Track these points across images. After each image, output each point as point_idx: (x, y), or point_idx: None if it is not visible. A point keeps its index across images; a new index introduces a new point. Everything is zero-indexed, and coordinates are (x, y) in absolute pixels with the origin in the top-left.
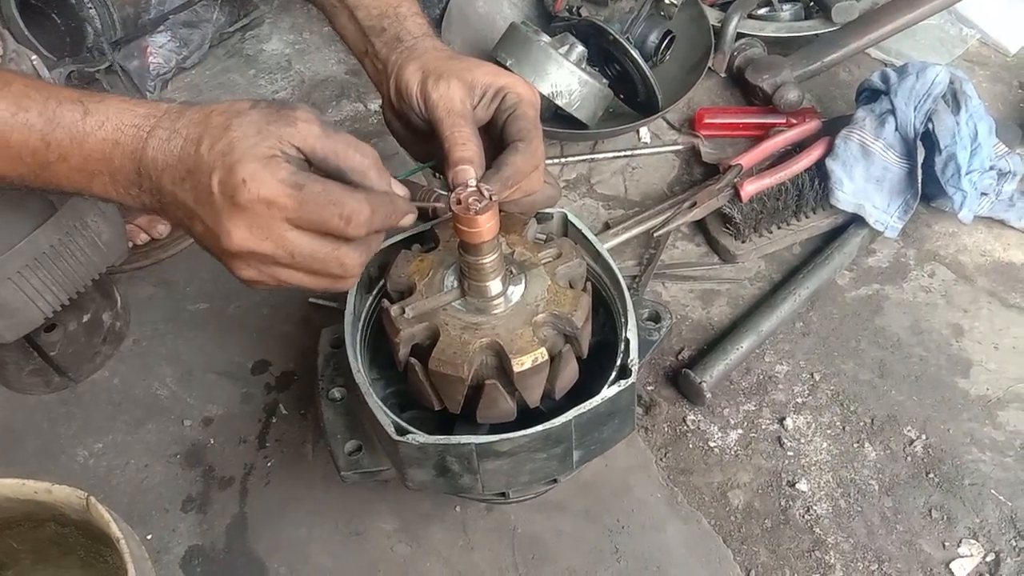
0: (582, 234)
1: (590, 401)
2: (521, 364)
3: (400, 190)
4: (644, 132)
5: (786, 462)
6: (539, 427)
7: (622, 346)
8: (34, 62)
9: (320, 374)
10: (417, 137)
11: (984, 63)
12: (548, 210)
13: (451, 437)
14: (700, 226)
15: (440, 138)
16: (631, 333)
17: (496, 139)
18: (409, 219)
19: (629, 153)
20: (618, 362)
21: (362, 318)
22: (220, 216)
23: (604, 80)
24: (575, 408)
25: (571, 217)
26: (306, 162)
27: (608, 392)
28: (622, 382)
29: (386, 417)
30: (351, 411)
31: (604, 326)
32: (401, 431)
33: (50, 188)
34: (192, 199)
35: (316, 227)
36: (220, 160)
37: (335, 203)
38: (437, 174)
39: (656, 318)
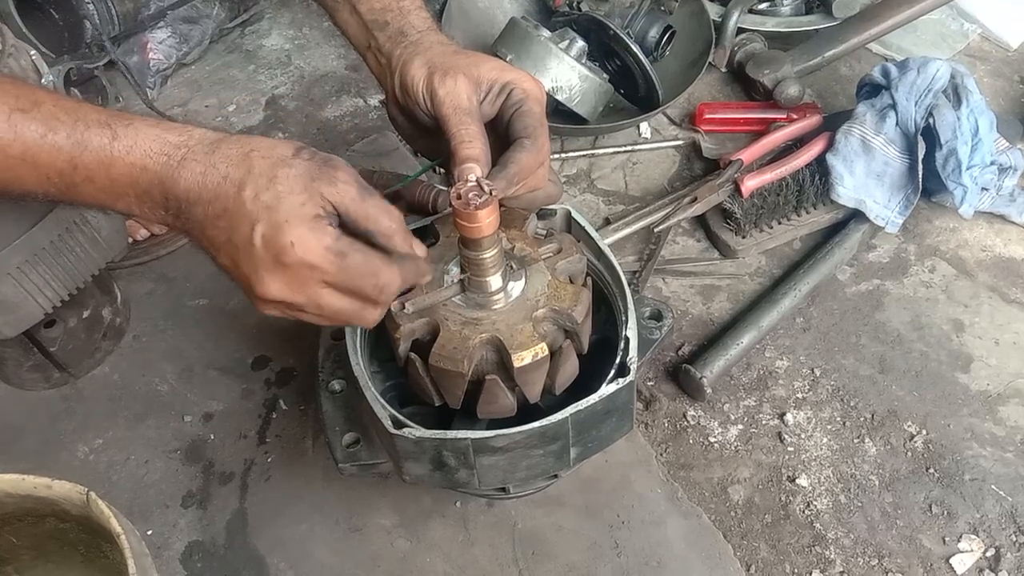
0: (584, 231)
1: (587, 399)
2: (521, 359)
3: (420, 251)
4: (644, 127)
5: (786, 457)
6: (536, 424)
7: (622, 344)
8: (33, 57)
9: (320, 366)
10: (421, 132)
11: (985, 58)
12: (550, 206)
13: (447, 432)
14: (700, 221)
15: (446, 135)
16: (631, 331)
17: (501, 135)
18: (427, 279)
19: (629, 148)
20: (617, 360)
21: None
22: (258, 267)
23: (604, 75)
24: (572, 405)
25: (574, 214)
26: (339, 218)
27: (606, 390)
28: (620, 380)
29: (383, 410)
30: (350, 404)
31: (605, 323)
32: (398, 424)
33: (75, 204)
34: (225, 238)
35: (351, 292)
36: (266, 215)
37: (373, 274)
38: (439, 170)
39: (658, 316)
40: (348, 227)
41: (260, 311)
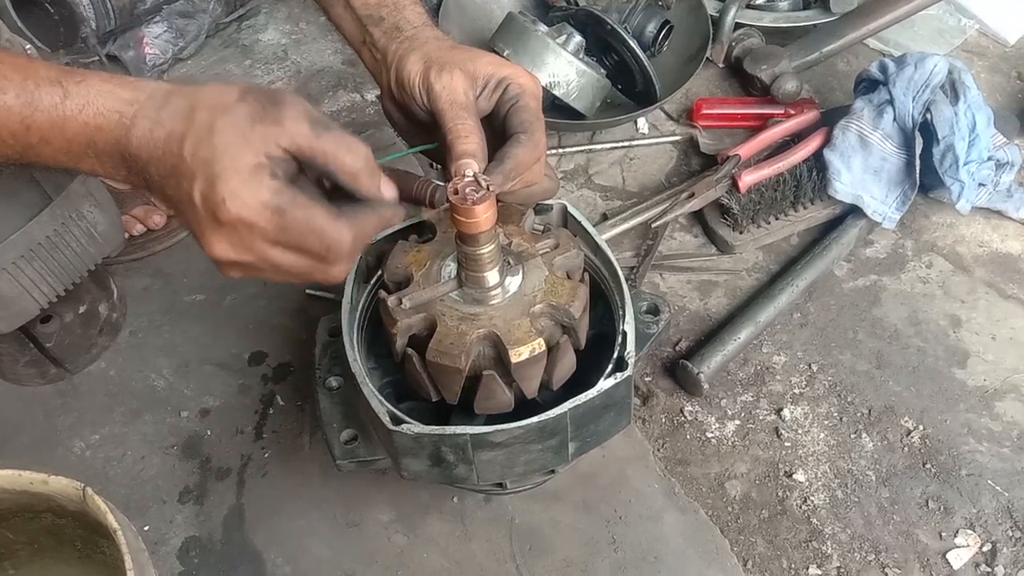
0: (581, 226)
1: (586, 393)
2: (518, 355)
3: (389, 192)
4: (642, 123)
5: (783, 453)
6: (534, 419)
7: (619, 338)
8: (28, 52)
9: (317, 363)
10: (417, 127)
11: (983, 53)
12: (547, 201)
13: (446, 427)
14: (698, 217)
15: (443, 130)
16: (628, 326)
17: (498, 129)
18: (396, 222)
19: (627, 144)
20: (615, 355)
21: (359, 307)
22: (202, 226)
23: (602, 70)
24: (570, 400)
25: (571, 209)
26: (295, 161)
27: (604, 384)
28: (618, 375)
29: (381, 406)
30: (347, 400)
31: (603, 318)
32: (396, 420)
33: (39, 166)
34: (176, 197)
35: (298, 250)
36: (202, 169)
37: (315, 232)
38: (435, 165)
39: (655, 311)
40: (308, 168)
41: (221, 271)
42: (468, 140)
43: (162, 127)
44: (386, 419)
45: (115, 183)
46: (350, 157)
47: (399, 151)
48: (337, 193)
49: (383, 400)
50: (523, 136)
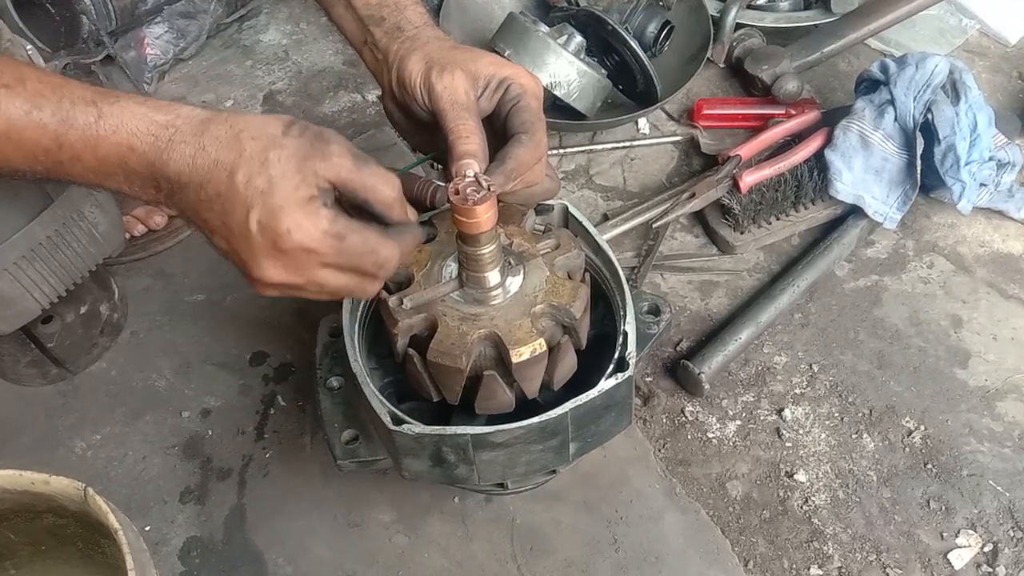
0: (582, 226)
1: (586, 394)
2: (519, 355)
3: (414, 216)
4: (643, 123)
5: (784, 453)
6: (535, 419)
7: (620, 339)
8: (29, 52)
9: (318, 363)
10: (418, 127)
11: (984, 54)
12: (548, 202)
13: (447, 427)
14: (699, 217)
15: (444, 130)
16: (629, 326)
17: (499, 130)
18: (421, 240)
19: (628, 144)
20: (616, 355)
21: (360, 307)
22: (256, 253)
23: (603, 70)
24: (571, 400)
25: (571, 209)
26: (335, 191)
27: (605, 385)
28: (619, 375)
29: (382, 406)
30: (348, 400)
31: (603, 318)
32: (397, 421)
33: (66, 181)
34: (220, 223)
35: (350, 270)
36: (260, 200)
37: (372, 252)
38: (437, 166)
39: (656, 311)
40: (346, 198)
41: (259, 292)
42: (469, 140)
43: (206, 154)
44: (387, 419)
45: (140, 200)
46: (387, 189)
47: (403, 151)
48: (363, 217)
49: (384, 400)
50: (524, 136)
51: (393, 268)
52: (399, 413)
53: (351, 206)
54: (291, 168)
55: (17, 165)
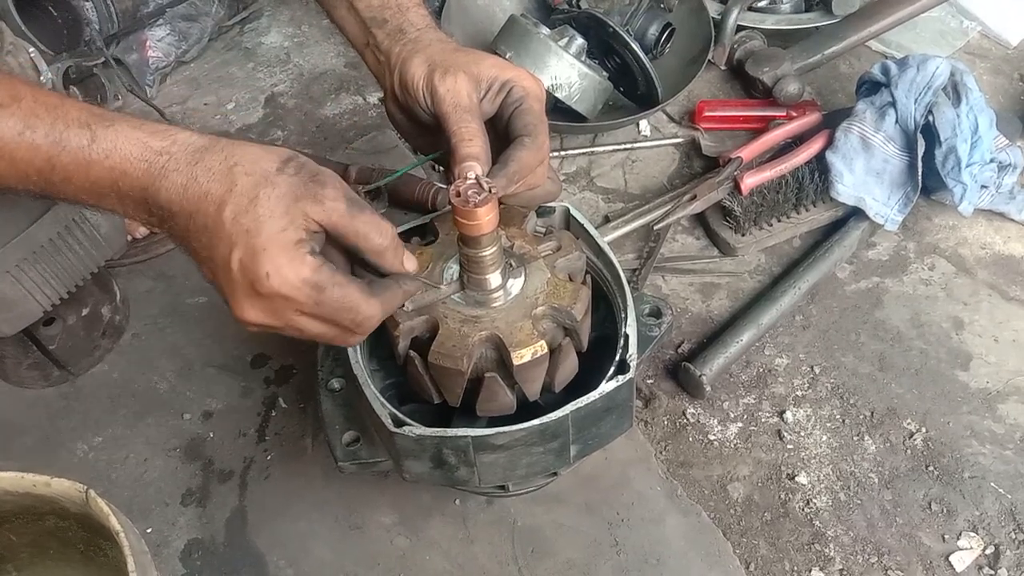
0: (584, 228)
1: (587, 396)
2: (521, 357)
3: (411, 266)
4: (644, 125)
5: (786, 455)
6: (536, 421)
7: (621, 341)
8: (32, 55)
9: (320, 364)
10: (420, 129)
11: (985, 55)
12: (549, 204)
13: (447, 430)
14: (700, 219)
15: (446, 132)
16: (630, 328)
17: (501, 132)
18: (417, 293)
19: (629, 146)
20: (617, 357)
21: None
22: (235, 291)
23: (604, 73)
24: (572, 403)
25: (573, 211)
26: (326, 233)
27: (606, 387)
28: (620, 378)
29: (383, 408)
30: (350, 402)
31: (605, 320)
32: (398, 423)
33: (59, 200)
34: (207, 255)
35: (328, 322)
36: (244, 238)
37: (350, 309)
38: (439, 168)
39: (657, 314)
40: (338, 242)
41: (244, 328)
42: (472, 143)
43: (198, 184)
44: (388, 421)
45: (134, 222)
46: (380, 238)
47: (404, 153)
48: (357, 262)
49: (385, 402)
50: (527, 139)
51: (373, 326)
52: (400, 415)
53: (343, 250)
54: (280, 209)
55: (10, 183)
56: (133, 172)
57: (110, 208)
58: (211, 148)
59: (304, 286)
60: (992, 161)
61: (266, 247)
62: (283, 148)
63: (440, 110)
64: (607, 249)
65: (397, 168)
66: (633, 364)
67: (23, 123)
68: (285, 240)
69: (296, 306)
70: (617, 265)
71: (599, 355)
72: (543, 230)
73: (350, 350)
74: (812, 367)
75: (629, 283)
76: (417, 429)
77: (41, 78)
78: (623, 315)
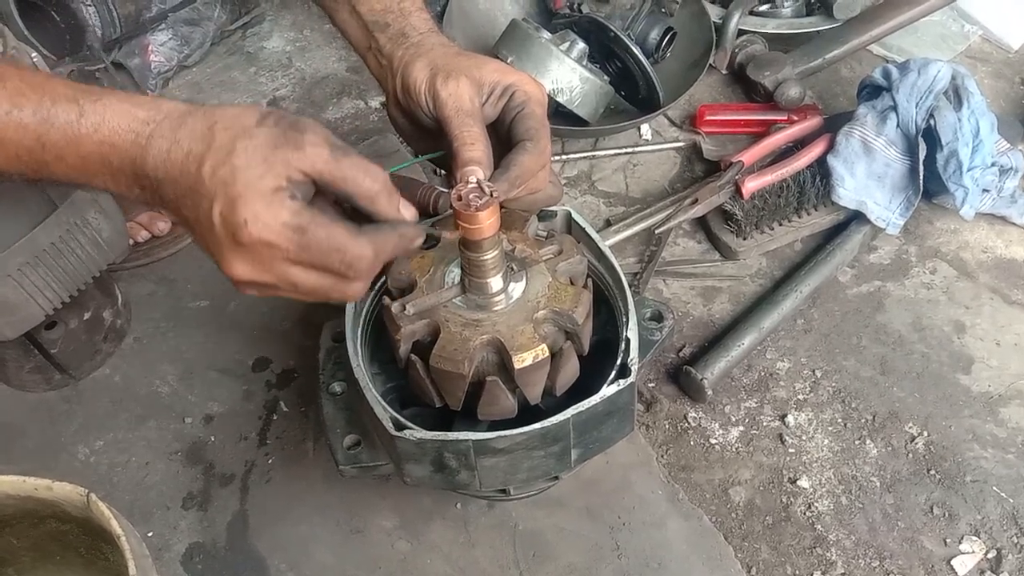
0: (585, 232)
1: (588, 400)
2: (522, 361)
3: (408, 213)
4: (645, 129)
5: (787, 459)
6: (537, 425)
7: (623, 345)
8: (34, 59)
9: (321, 368)
10: (422, 133)
11: (986, 59)
12: (551, 208)
13: (448, 433)
14: (701, 223)
15: (448, 137)
16: (632, 332)
17: (503, 136)
18: (417, 243)
19: (630, 150)
20: (618, 361)
21: (363, 313)
22: (221, 247)
23: (605, 77)
24: (573, 407)
25: (575, 215)
26: (313, 185)
27: (607, 391)
28: (621, 382)
29: (384, 412)
30: (351, 406)
31: (606, 324)
32: (399, 426)
33: (50, 181)
34: (193, 217)
35: (318, 268)
36: (222, 190)
37: (337, 249)
38: (440, 171)
39: (659, 318)
40: (327, 192)
41: (238, 289)
42: (474, 147)
43: (180, 147)
44: (389, 425)
45: (127, 199)
46: (368, 180)
47: (406, 157)
48: (356, 216)
49: (386, 406)
50: (529, 144)
51: (367, 269)
52: (401, 419)
53: (336, 202)
54: (257, 158)
55: (1, 166)
56: (121, 144)
57: (103, 186)
58: (194, 112)
59: (285, 230)
60: (993, 165)
61: (242, 194)
62: (266, 107)
63: (442, 114)
64: (608, 253)
65: (400, 173)
66: (634, 368)
67: (9, 103)
68: (263, 187)
69: (282, 253)
70: (618, 269)
71: (600, 359)
72: (544, 234)
73: (352, 354)
74: (813, 371)
75: (630, 287)
76: (418, 433)
77: None
78: (624, 319)
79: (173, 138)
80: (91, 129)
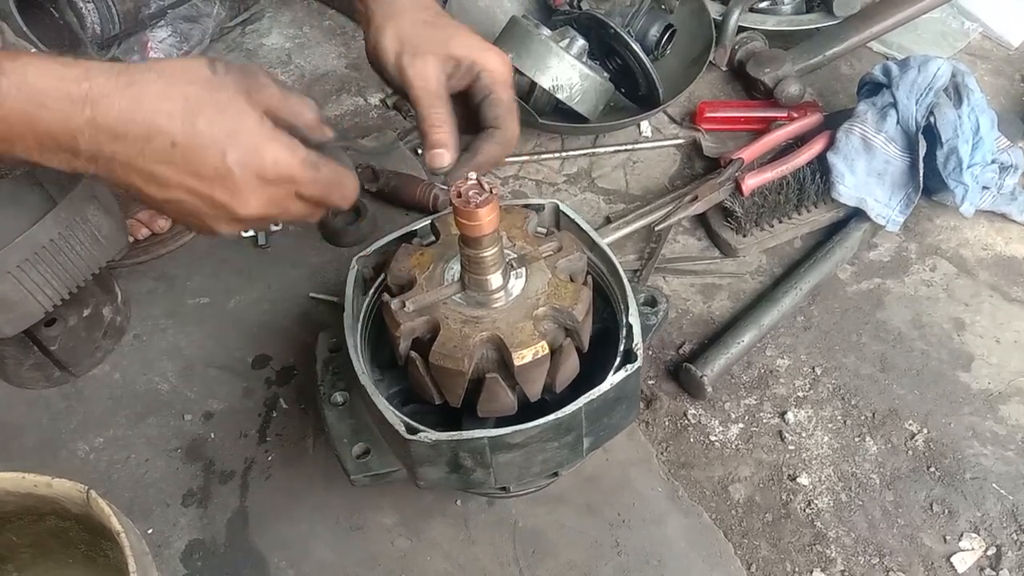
0: (575, 223)
1: (599, 387)
2: (522, 358)
3: (330, 132)
4: (645, 126)
5: (787, 456)
6: (551, 416)
7: (623, 332)
8: None
9: (320, 379)
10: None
11: (986, 56)
12: (539, 201)
13: (463, 432)
14: (701, 220)
15: (417, 114)
16: (633, 318)
17: (473, 109)
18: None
19: (630, 147)
20: (621, 347)
21: (360, 318)
22: (240, 190)
23: (605, 74)
24: (585, 395)
25: (563, 207)
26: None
27: (615, 377)
28: (628, 367)
29: (396, 417)
30: (355, 414)
31: (601, 312)
32: (412, 431)
33: None
34: (184, 171)
35: (317, 201)
36: (232, 139)
37: (340, 183)
38: (418, 151)
39: (652, 302)
40: (277, 125)
41: (220, 234)
42: (440, 130)
43: (143, 107)
44: (402, 430)
45: (48, 167)
46: (310, 112)
47: (404, 154)
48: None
49: (397, 412)
50: (496, 132)
51: (353, 198)
52: (412, 423)
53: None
54: (244, 106)
55: None
56: (53, 105)
57: (24, 153)
58: (132, 70)
59: (304, 164)
60: (993, 162)
61: (260, 140)
62: (197, 56)
63: (410, 93)
64: (600, 241)
65: (399, 170)
66: (640, 352)
67: None
68: (266, 130)
69: (296, 187)
70: (613, 258)
71: (595, 349)
72: (544, 230)
73: (354, 361)
74: (813, 368)
75: (630, 283)
76: (432, 434)
77: None
78: (623, 306)
79: (130, 96)
80: (14, 89)
